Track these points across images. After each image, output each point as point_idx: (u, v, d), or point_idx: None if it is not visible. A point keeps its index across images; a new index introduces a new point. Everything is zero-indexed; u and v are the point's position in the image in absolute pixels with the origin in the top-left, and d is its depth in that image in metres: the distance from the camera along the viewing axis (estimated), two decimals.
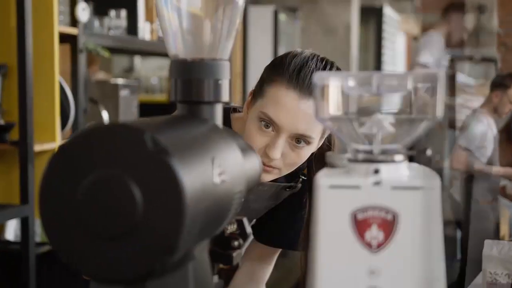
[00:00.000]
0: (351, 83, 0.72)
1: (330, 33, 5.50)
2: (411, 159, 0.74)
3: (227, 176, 0.72)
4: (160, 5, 0.83)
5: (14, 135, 2.40)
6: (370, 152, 0.72)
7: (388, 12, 7.49)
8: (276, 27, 4.83)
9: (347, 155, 0.74)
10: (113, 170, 0.62)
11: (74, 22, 2.67)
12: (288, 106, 1.22)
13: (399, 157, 0.71)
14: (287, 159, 1.25)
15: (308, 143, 1.24)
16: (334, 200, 0.70)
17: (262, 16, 4.70)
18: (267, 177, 1.28)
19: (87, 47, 2.68)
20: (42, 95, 2.49)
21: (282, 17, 4.92)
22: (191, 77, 0.81)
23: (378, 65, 7.42)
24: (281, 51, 5.94)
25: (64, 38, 2.64)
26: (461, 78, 5.54)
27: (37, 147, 2.42)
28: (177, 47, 0.83)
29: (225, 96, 0.83)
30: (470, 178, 4.42)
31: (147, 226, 0.60)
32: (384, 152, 0.72)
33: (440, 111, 0.70)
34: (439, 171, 4.45)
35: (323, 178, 0.70)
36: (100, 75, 3.98)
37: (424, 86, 0.70)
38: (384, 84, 0.71)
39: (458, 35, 4.42)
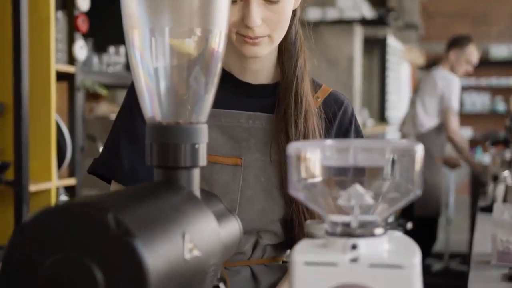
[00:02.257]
0: (327, 154, 0.69)
1: (333, 65, 5.49)
2: None
3: (200, 250, 0.69)
4: (135, 66, 0.81)
5: (9, 174, 2.38)
6: (348, 224, 0.69)
7: (392, 42, 7.50)
8: None
9: (325, 226, 0.71)
10: (75, 252, 0.59)
11: (72, 59, 2.66)
12: None
13: (378, 231, 0.68)
14: (269, 21, 1.16)
15: None
16: (310, 277, 0.67)
17: None
18: (261, 50, 1.18)
19: (85, 85, 2.67)
20: (39, 134, 2.47)
21: None
22: (167, 141, 0.79)
23: (382, 95, 7.41)
24: None
25: (62, 76, 2.63)
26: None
27: (33, 187, 2.40)
28: (153, 110, 0.81)
29: (202, 161, 0.81)
30: (429, 133, 4.45)
31: None
32: (362, 224, 0.69)
33: (419, 186, 0.67)
34: None
35: (299, 254, 0.67)
36: (104, 107, 3.98)
37: (402, 158, 0.68)
38: (362, 155, 0.69)
39: (462, 70, 4.45)
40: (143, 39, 0.79)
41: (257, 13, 1.13)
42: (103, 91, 2.78)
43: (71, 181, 2.72)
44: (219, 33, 0.81)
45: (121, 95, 3.94)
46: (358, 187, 0.70)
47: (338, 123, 1.26)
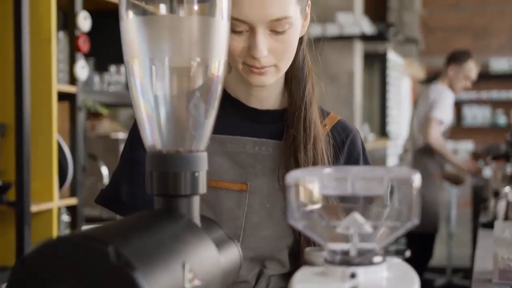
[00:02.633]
0: (326, 183, 0.70)
1: (333, 81, 5.51)
2: None
3: (200, 279, 0.70)
4: (135, 95, 0.81)
5: (11, 195, 2.39)
6: (347, 252, 0.70)
7: (392, 56, 7.52)
8: None
9: (324, 254, 0.71)
10: (76, 284, 0.60)
11: (73, 79, 2.67)
12: None
13: (377, 259, 0.69)
14: (275, 51, 1.14)
15: (289, 24, 1.13)
16: None
17: None
18: (267, 79, 1.17)
19: (86, 105, 2.68)
20: (40, 154, 2.48)
21: None
22: (167, 170, 0.79)
23: (383, 110, 7.43)
24: None
25: (63, 96, 2.64)
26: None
27: (34, 208, 2.41)
28: (153, 138, 0.82)
29: (202, 189, 0.81)
30: (424, 150, 4.45)
31: None
32: (361, 253, 0.70)
33: (417, 214, 0.68)
34: None
35: (299, 283, 0.67)
36: (106, 124, 3.99)
37: (400, 186, 0.68)
38: (360, 184, 0.69)
39: (460, 85, 4.47)
40: (143, 68, 0.80)
41: (263, 43, 1.12)
42: (104, 111, 2.79)
43: (73, 201, 2.72)
44: (218, 61, 0.82)
45: (122, 113, 3.96)
46: (356, 216, 0.70)
47: (347, 152, 1.26)
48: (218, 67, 0.82)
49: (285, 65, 1.17)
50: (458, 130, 10.20)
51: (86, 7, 2.81)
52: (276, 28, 1.12)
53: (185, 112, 0.81)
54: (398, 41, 8.12)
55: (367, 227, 0.69)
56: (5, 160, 2.44)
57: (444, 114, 4.34)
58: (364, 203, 0.72)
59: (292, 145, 1.20)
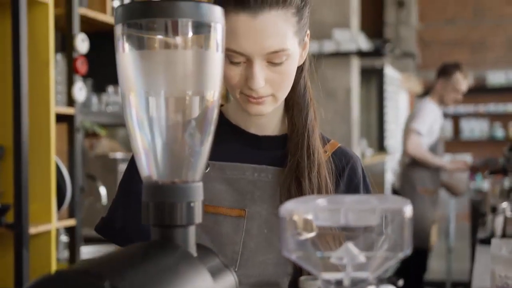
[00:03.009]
0: (319, 214, 0.71)
1: (331, 96, 5.53)
2: None
3: None
4: (130, 126, 0.83)
5: (9, 217, 2.39)
6: (340, 282, 0.71)
7: (389, 71, 7.55)
8: None
9: (319, 283, 0.72)
10: None
11: (71, 101, 2.69)
12: (244, 29, 1.10)
13: None
14: (273, 82, 1.14)
15: (286, 56, 1.13)
16: None
17: None
18: (265, 108, 1.17)
19: (84, 126, 2.69)
20: (39, 176, 2.49)
21: None
22: (163, 200, 0.81)
23: (380, 124, 7.45)
24: None
25: (61, 117, 2.66)
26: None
27: (33, 229, 2.41)
28: (150, 169, 0.83)
29: (198, 218, 0.82)
30: (411, 164, 4.41)
31: None
32: (355, 282, 0.71)
33: (408, 245, 0.69)
34: None
35: None
36: (105, 143, 4.01)
37: (392, 218, 0.70)
38: (352, 215, 0.71)
39: (450, 98, 4.46)
40: (139, 100, 0.81)
41: (261, 74, 1.13)
42: (102, 132, 2.80)
43: (71, 222, 2.73)
44: (213, 92, 0.83)
45: (121, 132, 3.97)
46: (350, 246, 0.71)
47: (347, 179, 1.26)
48: (213, 98, 0.83)
49: (282, 95, 1.18)
50: (456, 143, 10.22)
51: (83, 28, 2.83)
52: (273, 59, 1.13)
53: (180, 143, 0.83)
54: (395, 56, 8.16)
55: (361, 257, 0.70)
56: (3, 182, 2.45)
57: (422, 125, 4.31)
58: (358, 234, 0.73)
59: (295, 172, 1.20)
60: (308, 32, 1.23)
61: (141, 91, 0.81)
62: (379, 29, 9.81)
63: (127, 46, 0.80)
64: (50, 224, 2.52)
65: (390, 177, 7.47)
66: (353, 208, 0.71)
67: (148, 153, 0.82)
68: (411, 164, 4.42)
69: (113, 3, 3.03)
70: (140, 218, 1.04)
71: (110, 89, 3.05)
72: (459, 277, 5.62)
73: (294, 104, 1.25)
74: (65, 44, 2.76)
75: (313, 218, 0.71)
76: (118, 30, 0.80)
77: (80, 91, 2.68)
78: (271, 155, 1.24)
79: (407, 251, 0.69)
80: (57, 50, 2.74)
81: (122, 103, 0.83)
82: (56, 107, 2.58)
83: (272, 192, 1.22)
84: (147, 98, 0.81)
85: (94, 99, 2.95)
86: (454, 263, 5.63)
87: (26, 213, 2.37)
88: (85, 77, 2.84)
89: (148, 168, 0.83)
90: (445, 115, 10.13)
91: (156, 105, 0.81)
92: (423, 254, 4.44)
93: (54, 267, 2.54)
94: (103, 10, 2.95)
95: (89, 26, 2.94)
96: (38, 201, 2.49)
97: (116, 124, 3.24)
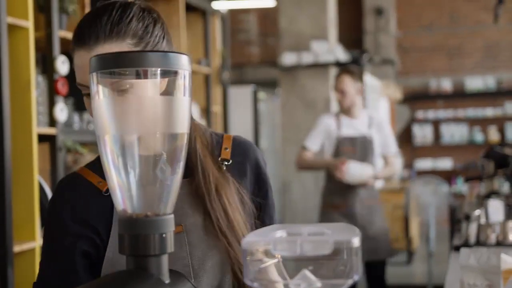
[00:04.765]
0: (277, 245, 0.79)
1: (310, 107, 5.62)
2: None
3: None
4: (106, 164, 0.90)
5: None
6: None
7: (369, 80, 7.66)
8: (255, 105, 4.94)
9: None
10: None
11: (52, 121, 2.75)
12: (83, 63, 1.18)
13: None
14: None
15: (130, 85, 1.15)
16: None
17: (242, 95, 4.82)
18: None
19: (66, 145, 2.75)
20: (22, 196, 2.54)
21: (262, 95, 5.04)
22: (138, 232, 0.88)
23: None
24: (262, 128, 6.07)
25: (43, 137, 2.71)
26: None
27: (17, 248, 2.47)
28: (124, 204, 0.90)
29: (170, 247, 0.90)
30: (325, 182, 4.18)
31: None
32: None
33: (357, 271, 0.77)
34: None
35: None
36: (88, 158, 4.05)
37: (343, 248, 0.77)
38: (307, 246, 0.78)
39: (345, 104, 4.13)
40: (113, 141, 0.89)
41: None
42: (83, 151, 2.87)
43: None
44: (182, 132, 0.91)
45: None
46: (306, 273, 0.79)
47: (252, 167, 1.34)
48: (182, 137, 0.91)
49: None
50: (436, 148, 10.37)
51: (63, 48, 2.89)
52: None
53: (152, 180, 0.90)
54: (374, 64, 8.27)
55: (317, 283, 0.78)
56: None
57: (309, 141, 4.10)
58: (313, 262, 0.81)
59: (199, 194, 1.26)
60: None
61: (115, 133, 0.88)
62: (359, 37, 9.95)
63: (101, 92, 0.87)
64: (34, 242, 2.58)
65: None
66: (308, 240, 0.78)
67: (123, 189, 0.90)
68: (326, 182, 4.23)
69: None
70: (73, 278, 1.09)
71: None
72: (440, 281, 5.72)
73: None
74: (45, 66, 2.82)
75: (272, 248, 0.79)
76: (93, 78, 0.87)
77: (61, 111, 2.74)
78: None
79: (356, 276, 0.77)
80: (38, 72, 2.80)
81: (97, 144, 0.90)
82: (38, 127, 2.64)
83: (195, 201, 1.26)
84: (121, 139, 0.88)
85: (76, 118, 3.01)
86: (435, 267, 5.73)
87: (10, 232, 2.42)
88: (65, 97, 2.90)
89: (123, 203, 0.90)
90: (426, 121, 10.30)
91: (129, 145, 0.89)
92: (382, 265, 4.39)
93: None
94: None
95: (68, 46, 3.00)
96: (22, 220, 2.55)
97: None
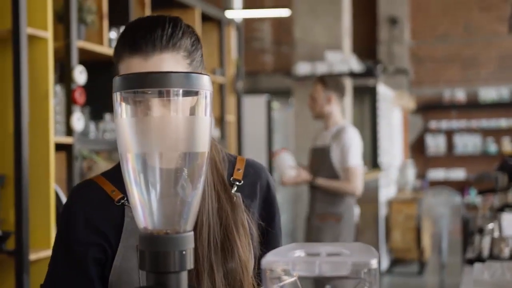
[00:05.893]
0: (296, 265, 0.80)
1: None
2: None
3: None
4: (128, 182, 0.92)
5: (10, 244, 2.47)
6: None
7: (382, 89, 7.66)
8: (269, 114, 4.95)
9: None
10: None
11: (69, 131, 2.78)
12: (137, 70, 1.19)
13: None
14: None
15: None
16: None
17: (256, 104, 4.84)
18: None
19: (82, 154, 2.78)
20: (38, 204, 2.57)
21: (275, 105, 5.06)
22: (158, 250, 0.90)
23: (374, 142, 7.54)
24: (275, 137, 6.10)
25: (60, 146, 2.75)
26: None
27: (33, 256, 2.49)
28: (145, 221, 0.92)
29: (190, 264, 0.91)
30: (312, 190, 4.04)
31: None
32: None
33: None
34: None
35: None
36: (102, 164, 4.08)
37: (361, 269, 0.79)
38: (326, 267, 0.80)
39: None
40: (135, 160, 0.91)
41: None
42: (98, 159, 2.89)
43: None
44: (202, 150, 0.92)
45: (117, 155, 4.06)
46: None
47: (262, 190, 1.36)
48: (202, 155, 0.93)
49: None
50: (450, 158, 10.33)
51: (81, 58, 2.93)
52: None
53: (173, 198, 0.92)
54: (388, 74, 8.27)
55: None
56: (4, 210, 2.53)
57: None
58: (333, 281, 0.82)
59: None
60: None
61: (137, 152, 0.90)
62: (372, 47, 9.95)
63: (124, 112, 0.89)
64: (50, 250, 2.60)
65: (384, 194, 7.56)
66: (326, 261, 0.80)
67: (144, 206, 0.92)
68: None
69: (110, 35, 3.13)
70: (82, 282, 1.11)
71: (108, 116, 3.14)
72: None
73: None
74: (63, 75, 2.85)
75: (291, 269, 0.80)
76: (117, 97, 0.89)
77: (78, 121, 2.77)
78: None
79: None
80: (56, 82, 2.84)
81: (120, 162, 0.92)
82: (55, 137, 2.67)
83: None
84: (143, 157, 0.90)
85: (92, 127, 3.04)
86: (447, 278, 5.72)
87: (26, 240, 2.45)
88: (82, 106, 2.93)
89: (144, 220, 0.92)
90: (439, 131, 10.27)
91: (151, 163, 0.91)
92: None
93: None
94: (100, 41, 3.05)
95: (86, 56, 3.03)
96: (38, 228, 2.57)
97: (114, 149, 3.33)
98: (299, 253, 0.83)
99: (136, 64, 1.20)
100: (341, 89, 4.05)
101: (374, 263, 0.78)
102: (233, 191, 1.31)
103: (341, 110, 4.10)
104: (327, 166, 3.93)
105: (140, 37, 1.20)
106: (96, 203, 1.29)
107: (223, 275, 1.24)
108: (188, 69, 1.24)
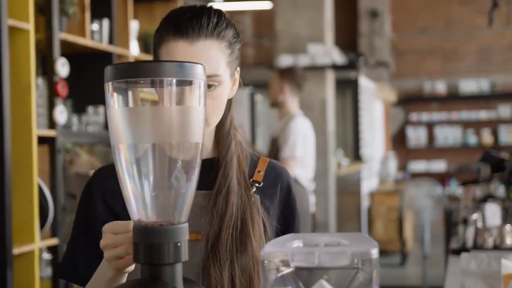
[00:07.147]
0: (295, 256, 0.79)
1: (307, 109, 5.62)
2: None
3: None
4: (121, 174, 0.90)
5: None
6: None
7: (364, 82, 7.68)
8: (253, 108, 4.94)
9: None
10: None
11: (52, 124, 2.74)
12: (182, 55, 1.19)
13: None
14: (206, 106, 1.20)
15: (218, 82, 1.21)
16: None
17: (239, 97, 4.81)
18: None
19: (65, 147, 2.75)
20: (21, 197, 2.54)
21: (258, 98, 5.04)
22: (152, 242, 0.88)
23: (356, 134, 7.57)
24: (259, 131, 6.09)
25: (43, 139, 2.71)
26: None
27: (16, 250, 2.46)
28: (139, 213, 0.90)
29: (184, 256, 0.90)
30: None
31: None
32: None
33: (376, 284, 0.77)
34: None
35: None
36: (84, 158, 4.04)
37: (361, 259, 0.78)
38: (325, 257, 0.79)
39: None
40: (128, 151, 0.89)
41: None
42: (81, 152, 2.86)
43: (54, 241, 2.78)
44: (196, 141, 0.91)
45: (100, 149, 4.02)
46: (324, 282, 0.80)
47: (283, 192, 1.35)
48: (196, 146, 0.91)
49: (214, 121, 1.24)
50: (430, 150, 10.40)
51: (63, 50, 2.89)
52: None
53: (167, 189, 0.90)
54: (369, 66, 8.29)
55: None
56: None
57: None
58: (331, 272, 0.82)
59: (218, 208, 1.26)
60: (239, 69, 1.31)
61: (130, 142, 0.89)
62: (353, 40, 9.96)
63: (116, 102, 0.88)
64: (34, 244, 2.57)
65: (366, 186, 7.59)
66: (325, 251, 0.79)
67: (137, 198, 0.90)
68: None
69: (92, 27, 3.10)
70: (101, 256, 1.10)
71: (90, 109, 3.11)
72: (435, 283, 5.74)
73: (220, 136, 1.31)
74: (45, 69, 2.82)
75: (290, 260, 0.79)
76: (109, 87, 0.87)
77: (61, 113, 2.74)
78: (207, 179, 1.27)
79: (376, 287, 0.77)
80: (38, 74, 2.80)
81: (113, 153, 0.90)
82: (38, 129, 2.63)
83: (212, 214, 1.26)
84: (135, 148, 0.89)
85: (75, 120, 3.01)
86: (430, 269, 5.75)
87: (10, 234, 2.42)
88: (65, 98, 2.90)
89: (138, 212, 0.90)
90: (420, 123, 10.32)
91: (144, 154, 0.89)
92: None
93: (37, 286, 2.59)
94: (82, 34, 3.01)
95: (68, 48, 2.99)
96: (21, 222, 2.54)
97: (97, 142, 3.30)
98: (298, 243, 0.82)
99: (180, 48, 1.20)
100: (297, 81, 4.11)
101: (374, 253, 0.77)
102: (252, 192, 1.30)
103: (296, 101, 4.17)
104: (275, 156, 3.95)
105: (186, 21, 1.21)
106: (114, 187, 1.28)
107: (237, 268, 1.23)
108: (228, 59, 1.24)
